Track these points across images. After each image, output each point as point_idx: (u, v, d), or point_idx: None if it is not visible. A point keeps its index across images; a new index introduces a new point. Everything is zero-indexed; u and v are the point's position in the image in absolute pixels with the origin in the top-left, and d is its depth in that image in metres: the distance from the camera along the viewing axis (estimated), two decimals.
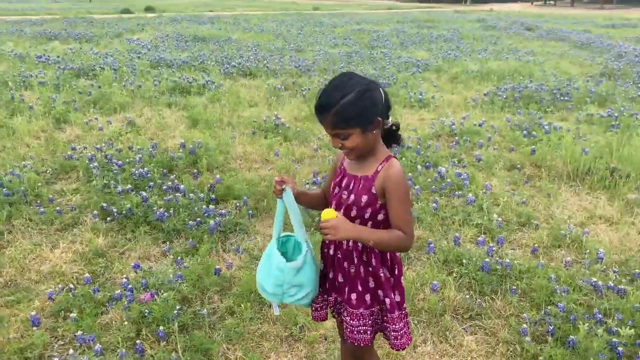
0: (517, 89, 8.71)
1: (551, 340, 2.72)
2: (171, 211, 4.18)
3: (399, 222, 1.86)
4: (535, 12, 36.54)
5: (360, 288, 1.99)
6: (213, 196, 4.53)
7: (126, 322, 2.93)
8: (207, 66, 10.88)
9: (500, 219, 4.14)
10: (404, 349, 2.05)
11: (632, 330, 2.62)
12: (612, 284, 3.15)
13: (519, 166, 5.42)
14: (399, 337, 2.03)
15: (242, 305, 3.17)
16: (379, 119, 1.86)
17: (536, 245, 3.81)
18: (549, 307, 2.99)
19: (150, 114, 7.48)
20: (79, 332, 2.80)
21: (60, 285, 3.36)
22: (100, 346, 2.69)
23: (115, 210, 4.23)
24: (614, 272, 3.38)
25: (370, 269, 1.98)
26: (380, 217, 1.92)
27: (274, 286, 1.99)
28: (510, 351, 2.83)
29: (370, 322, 2.03)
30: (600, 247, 3.70)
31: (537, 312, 3.08)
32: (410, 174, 4.99)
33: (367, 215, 1.92)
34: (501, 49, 14.60)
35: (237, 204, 4.48)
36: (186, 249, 3.85)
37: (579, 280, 3.29)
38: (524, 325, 2.86)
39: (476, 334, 3.00)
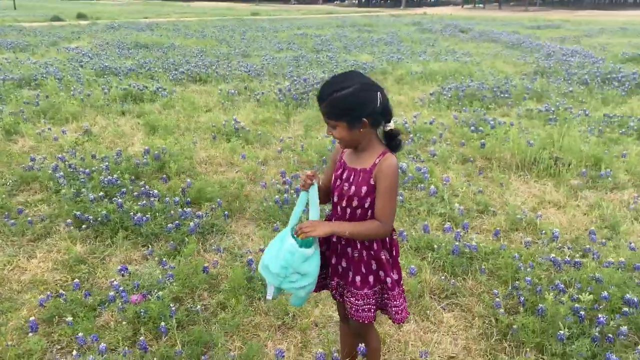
0: (460, 88, 9.20)
1: (522, 310, 3.02)
2: (148, 216, 4.23)
3: (378, 211, 2.06)
4: (466, 15, 38.10)
5: (363, 270, 2.18)
6: (188, 199, 4.61)
7: (124, 322, 3.01)
8: (154, 73, 10.80)
9: (461, 207, 4.46)
10: (403, 322, 2.27)
11: (591, 296, 2.95)
12: (568, 259, 3.51)
13: (471, 159, 5.80)
14: (399, 312, 2.24)
15: (233, 300, 3.30)
16: (365, 120, 2.00)
17: (497, 229, 4.15)
18: (516, 282, 3.30)
19: (104, 122, 7.41)
20: (80, 334, 2.85)
21: (48, 293, 3.38)
22: (105, 345, 2.76)
23: (91, 217, 4.24)
24: (568, 248, 3.75)
25: (372, 252, 2.17)
26: (360, 206, 2.10)
27: (279, 267, 2.09)
28: (486, 324, 3.12)
29: (373, 300, 2.23)
30: (554, 228, 4.08)
31: (505, 287, 3.39)
32: None
33: (366, 205, 2.10)
34: (439, 51, 15.25)
35: (212, 206, 4.58)
36: (167, 251, 3.92)
37: (538, 257, 3.63)
38: (497, 300, 3.15)
39: (453, 311, 3.27)
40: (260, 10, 40.56)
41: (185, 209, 4.44)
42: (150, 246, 4.03)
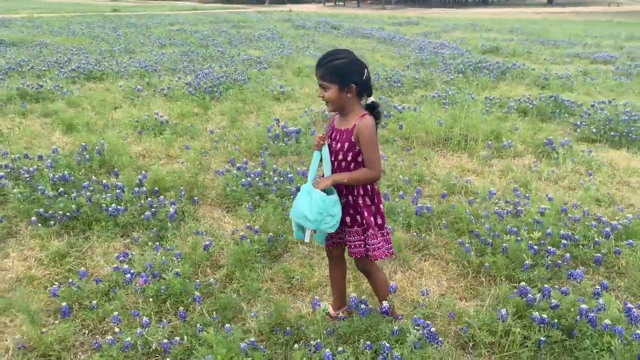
0: None
1: (489, 251, 3.67)
2: (122, 206, 4.26)
3: (366, 160, 2.62)
4: (330, 12, 39.70)
5: (351, 212, 2.72)
6: (156, 188, 4.68)
7: (150, 300, 3.14)
8: (40, 72, 10.15)
9: (405, 178, 5.07)
10: (376, 259, 2.77)
11: (539, 233, 3.70)
12: (509, 209, 4.26)
13: (395, 139, 6.48)
14: (375, 250, 2.74)
15: (238, 272, 3.56)
16: (353, 85, 2.55)
17: (443, 192, 4.82)
18: (475, 230, 3.96)
19: (8, 123, 6.96)
20: (115, 313, 2.95)
21: (56, 284, 3.35)
22: (147, 318, 2.90)
23: (59, 213, 4.16)
24: (506, 202, 4.52)
25: (356, 198, 2.70)
26: (360, 158, 2.65)
27: (316, 214, 2.59)
28: (460, 267, 3.72)
29: (362, 237, 2.75)
30: (487, 188, 4.85)
31: (464, 237, 4.03)
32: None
33: (349, 158, 2.65)
34: (321, 46, 16.02)
35: (178, 195, 4.68)
36: (151, 237, 4.02)
37: (482, 211, 4.34)
38: (467, 245, 3.78)
39: (428, 260, 3.84)
40: (119, 6, 38.61)
41: (151, 198, 4.51)
42: (128, 236, 4.10)
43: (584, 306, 2.80)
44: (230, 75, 9.98)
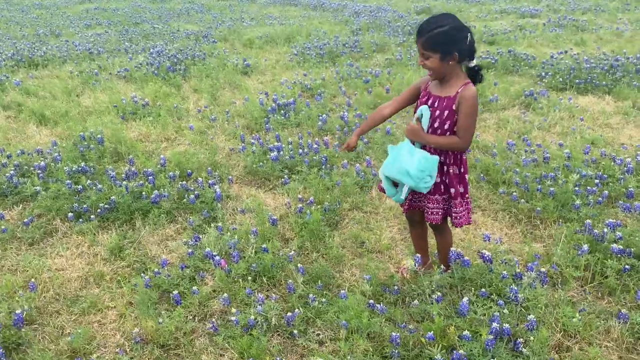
0: (317, 46, 9.93)
1: (539, 196, 3.95)
2: (165, 192, 4.13)
3: (460, 129, 2.64)
4: None
5: (437, 179, 2.77)
6: (190, 171, 4.55)
7: (249, 277, 3.13)
8: None
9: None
10: (461, 226, 2.90)
11: (577, 175, 4.02)
12: (536, 157, 4.57)
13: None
14: (458, 218, 2.86)
15: (309, 244, 3.61)
16: (456, 54, 2.57)
17: None
18: (516, 179, 4.23)
19: None
20: (224, 295, 2.93)
21: (116, 281, 3.25)
22: (262, 295, 2.91)
23: (100, 206, 3.97)
24: (525, 151, 4.83)
25: (444, 166, 2.77)
26: (455, 128, 2.68)
27: (418, 171, 2.65)
28: (511, 214, 3.97)
29: (442, 205, 2.85)
30: (504, 141, 5.14)
31: (503, 187, 4.27)
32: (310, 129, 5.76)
33: (446, 126, 2.67)
34: (256, 16, 15.71)
35: (208, 176, 4.58)
36: (204, 220, 3.96)
37: (507, 162, 4.62)
38: (514, 194, 4.03)
39: (476, 213, 4.06)
40: None
41: (185, 181, 4.40)
42: (176, 221, 4.01)
43: None
44: (184, 52, 9.63)
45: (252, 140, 5.28)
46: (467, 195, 2.86)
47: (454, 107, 2.60)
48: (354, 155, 4.99)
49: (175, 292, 2.96)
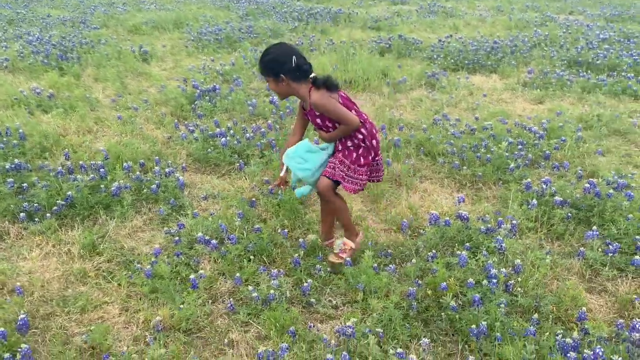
0: (213, 32, 9.79)
1: (478, 161, 4.46)
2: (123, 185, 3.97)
3: (339, 121, 3.03)
4: None
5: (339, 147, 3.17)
6: (142, 161, 4.38)
7: (250, 256, 3.21)
8: None
9: None
10: (351, 193, 3.22)
11: (505, 143, 4.59)
12: (462, 130, 5.11)
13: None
14: (332, 169, 3.11)
15: (287, 222, 3.75)
16: (282, 75, 2.90)
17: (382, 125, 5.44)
18: (454, 149, 4.70)
19: None
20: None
21: (102, 277, 3.15)
22: (276, 270, 3.01)
23: (58, 203, 3.71)
24: (450, 124, 5.35)
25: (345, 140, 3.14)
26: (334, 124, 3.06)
27: (293, 151, 3.10)
28: (455, 181, 4.44)
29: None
30: (426, 117, 5.63)
31: (440, 158, 4.74)
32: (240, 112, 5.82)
33: (329, 123, 3.06)
34: (129, 1, 14.90)
35: (161, 166, 4.46)
36: (173, 208, 3.90)
37: (436, 135, 5.10)
38: (455, 162, 4.50)
39: (424, 182, 4.48)
40: None
41: (139, 172, 4.26)
42: (141, 213, 3.90)
43: (586, 185, 3.77)
44: (68, 40, 8.95)
45: (191, 128, 5.20)
46: (352, 167, 3.10)
47: (317, 113, 3.03)
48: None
49: (192, 276, 2.95)
